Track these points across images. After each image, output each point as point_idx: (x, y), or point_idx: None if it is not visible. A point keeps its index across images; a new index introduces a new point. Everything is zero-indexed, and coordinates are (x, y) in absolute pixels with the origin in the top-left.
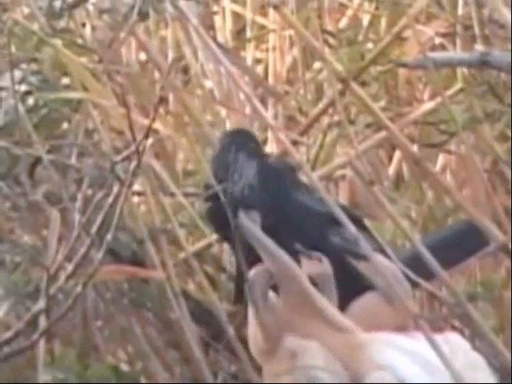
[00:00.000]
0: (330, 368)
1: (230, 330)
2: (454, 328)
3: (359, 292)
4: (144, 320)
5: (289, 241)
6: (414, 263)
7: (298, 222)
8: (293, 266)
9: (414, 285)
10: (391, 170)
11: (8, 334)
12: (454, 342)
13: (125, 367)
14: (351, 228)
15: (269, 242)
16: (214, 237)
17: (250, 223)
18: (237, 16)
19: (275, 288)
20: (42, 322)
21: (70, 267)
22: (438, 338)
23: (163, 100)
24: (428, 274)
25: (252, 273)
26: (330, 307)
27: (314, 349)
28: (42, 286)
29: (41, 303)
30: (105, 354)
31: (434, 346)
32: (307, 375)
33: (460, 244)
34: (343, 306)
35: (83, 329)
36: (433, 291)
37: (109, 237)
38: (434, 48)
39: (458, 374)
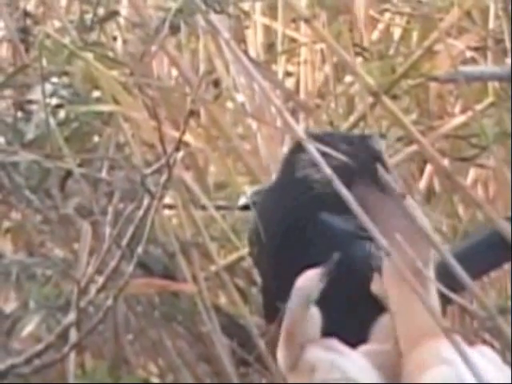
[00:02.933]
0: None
1: (261, 344)
2: (484, 342)
3: (383, 310)
4: (175, 333)
5: (316, 257)
6: (445, 276)
7: (324, 240)
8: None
9: (446, 298)
10: (422, 183)
11: (39, 347)
12: (488, 355)
13: (156, 380)
14: (381, 240)
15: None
16: (245, 250)
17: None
18: (268, 29)
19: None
20: (73, 335)
21: (100, 280)
22: (472, 351)
23: (194, 113)
24: (458, 287)
25: (302, 277)
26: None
27: (330, 362)
28: (72, 299)
29: (71, 316)
30: (136, 368)
31: (466, 359)
32: None
33: (489, 256)
34: (367, 323)
35: (114, 342)
36: (464, 304)
37: (140, 250)
38: (465, 62)
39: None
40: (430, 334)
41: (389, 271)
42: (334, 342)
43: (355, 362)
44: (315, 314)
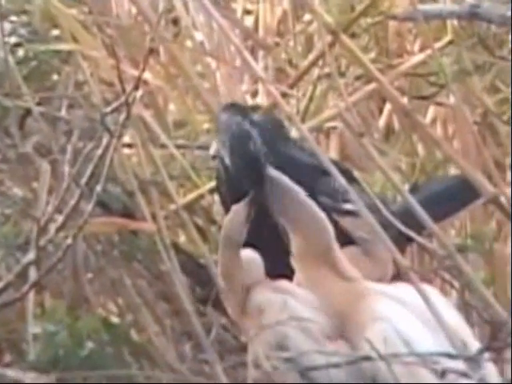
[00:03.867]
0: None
1: (220, 282)
2: (444, 280)
3: (343, 245)
4: (134, 272)
5: None
6: (405, 216)
7: (288, 175)
8: (320, 215)
9: (405, 237)
10: (381, 121)
11: None
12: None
13: (115, 319)
14: (340, 179)
15: (299, 191)
16: (205, 188)
17: (279, 174)
18: None
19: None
20: (32, 274)
21: (60, 219)
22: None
23: (153, 51)
24: (418, 227)
25: (226, 219)
26: (341, 257)
27: (278, 302)
28: (32, 237)
29: (31, 255)
30: (95, 306)
31: (424, 297)
32: (275, 332)
33: (451, 197)
34: None
35: (73, 281)
36: (423, 243)
37: (98, 188)
38: (424, 0)
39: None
40: (353, 299)
41: (298, 255)
42: (283, 283)
43: (305, 301)
44: (256, 257)
